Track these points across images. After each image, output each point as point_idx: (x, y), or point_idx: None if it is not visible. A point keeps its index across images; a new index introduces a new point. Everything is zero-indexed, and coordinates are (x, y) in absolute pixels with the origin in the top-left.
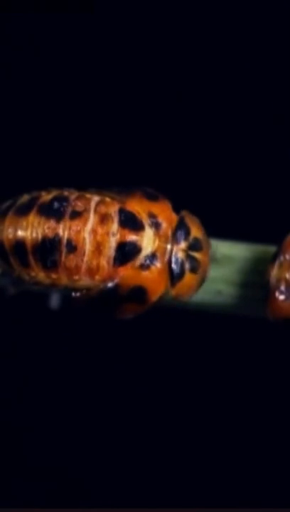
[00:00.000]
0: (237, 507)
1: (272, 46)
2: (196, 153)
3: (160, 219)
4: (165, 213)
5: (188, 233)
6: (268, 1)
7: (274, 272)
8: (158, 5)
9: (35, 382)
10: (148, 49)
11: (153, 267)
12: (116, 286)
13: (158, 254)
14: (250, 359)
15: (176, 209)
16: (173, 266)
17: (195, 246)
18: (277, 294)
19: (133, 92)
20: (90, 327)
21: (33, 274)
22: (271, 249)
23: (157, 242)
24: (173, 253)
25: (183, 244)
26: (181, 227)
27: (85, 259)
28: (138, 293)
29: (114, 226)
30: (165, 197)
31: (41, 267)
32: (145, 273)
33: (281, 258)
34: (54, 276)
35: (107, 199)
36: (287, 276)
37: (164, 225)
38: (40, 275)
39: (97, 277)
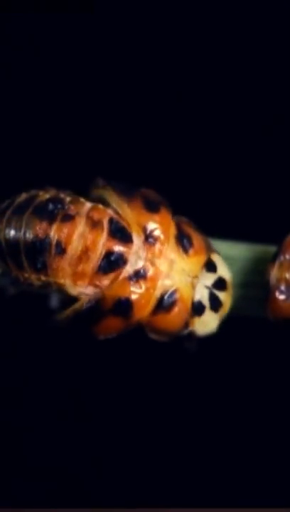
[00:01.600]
0: (237, 507)
1: (272, 46)
2: (196, 153)
3: (156, 233)
4: (163, 226)
5: (214, 270)
6: (268, 1)
7: (274, 272)
8: (158, 5)
9: (35, 382)
10: (148, 49)
11: (141, 282)
12: (101, 298)
13: (148, 269)
14: (250, 359)
15: (176, 209)
16: (196, 300)
17: (219, 285)
18: (277, 293)
19: (133, 91)
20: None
21: (26, 275)
22: (271, 249)
23: (148, 256)
24: (197, 287)
25: (207, 281)
26: (209, 265)
27: (72, 262)
28: (124, 306)
29: (104, 234)
30: (165, 203)
31: (32, 269)
32: (132, 287)
33: (281, 258)
34: (43, 278)
35: (100, 206)
36: (287, 276)
37: (160, 238)
38: (32, 277)
39: (80, 283)
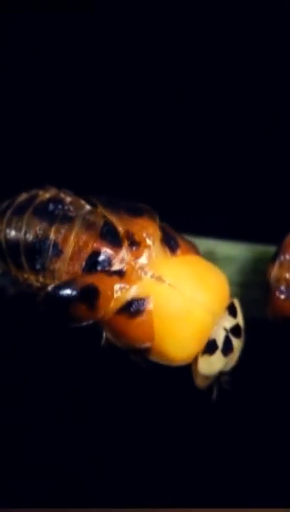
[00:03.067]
0: (237, 507)
1: (272, 46)
2: (196, 153)
3: (139, 237)
4: (146, 230)
5: (234, 316)
6: (268, 1)
7: (274, 272)
8: (158, 5)
9: (35, 382)
10: (148, 49)
11: (116, 278)
12: (70, 281)
13: (126, 270)
14: (250, 359)
15: (176, 209)
16: (211, 338)
17: (236, 331)
18: (277, 293)
19: (133, 91)
20: (90, 327)
21: (25, 276)
22: (271, 249)
23: (130, 259)
24: (216, 327)
25: (227, 324)
26: (231, 308)
27: (66, 263)
28: (90, 293)
29: (95, 235)
30: (149, 208)
31: (31, 270)
32: (101, 275)
33: (281, 258)
34: (42, 279)
35: (98, 211)
36: (287, 276)
37: (143, 242)
38: (31, 278)
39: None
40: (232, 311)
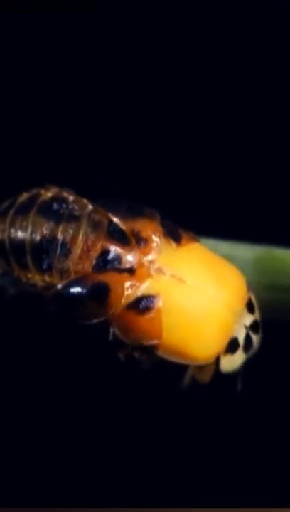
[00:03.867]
0: (237, 507)
1: (272, 46)
2: (196, 153)
3: (144, 234)
4: (149, 227)
5: (253, 312)
6: (268, 1)
7: None
8: (158, 5)
9: (35, 382)
10: (148, 49)
11: (127, 275)
12: (80, 279)
13: (137, 268)
14: (250, 359)
15: (176, 210)
16: (233, 337)
17: (255, 327)
18: None
19: (133, 91)
20: (90, 326)
21: (30, 275)
22: (271, 249)
23: (140, 257)
24: (237, 326)
25: (247, 321)
26: (249, 305)
27: (75, 262)
28: (100, 291)
29: (103, 234)
30: (147, 208)
31: (37, 269)
32: (111, 273)
33: None
34: (48, 279)
35: (100, 209)
36: None
37: (149, 239)
38: (36, 277)
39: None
40: (250, 307)
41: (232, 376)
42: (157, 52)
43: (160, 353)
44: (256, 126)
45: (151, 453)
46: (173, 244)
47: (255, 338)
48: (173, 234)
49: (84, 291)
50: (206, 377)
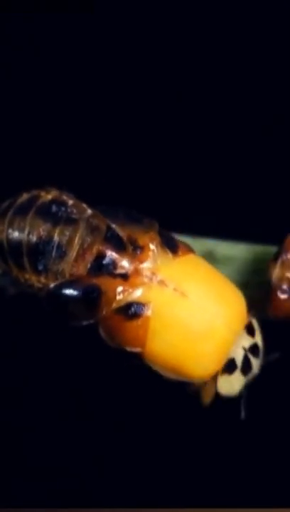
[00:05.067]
0: (237, 507)
1: (272, 46)
2: (196, 153)
3: (141, 242)
4: (148, 235)
5: (253, 335)
6: (268, 1)
7: (276, 271)
8: (158, 5)
9: (35, 382)
10: (148, 49)
11: (120, 280)
12: (73, 280)
13: (131, 274)
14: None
15: (176, 210)
16: (230, 357)
17: (254, 351)
18: (279, 293)
19: (133, 91)
20: (90, 326)
21: (27, 276)
22: (271, 249)
23: (135, 264)
24: (235, 346)
25: (246, 344)
26: (249, 328)
27: (71, 265)
28: (92, 293)
29: (100, 239)
30: (146, 217)
31: (33, 270)
32: (105, 277)
33: (283, 257)
34: (43, 280)
35: (99, 215)
36: (289, 275)
37: (146, 247)
38: (32, 278)
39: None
40: (250, 330)
41: (234, 400)
42: (157, 52)
43: (156, 367)
44: (255, 126)
45: (151, 453)
46: (170, 254)
47: (255, 363)
48: (170, 244)
49: (76, 292)
50: (206, 398)
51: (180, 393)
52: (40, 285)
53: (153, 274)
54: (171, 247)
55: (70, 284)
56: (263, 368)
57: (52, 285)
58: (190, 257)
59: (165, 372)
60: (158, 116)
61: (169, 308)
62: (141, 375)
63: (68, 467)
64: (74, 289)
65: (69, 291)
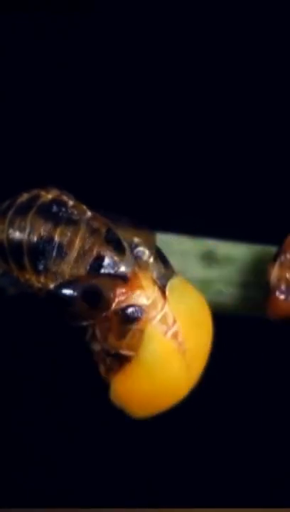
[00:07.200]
0: (237, 507)
1: (272, 46)
2: (196, 153)
3: (142, 247)
4: (148, 242)
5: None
6: (268, 1)
7: (275, 272)
8: (158, 5)
9: (35, 382)
10: (148, 49)
11: (115, 277)
12: (73, 281)
13: (130, 277)
14: (250, 359)
15: (176, 209)
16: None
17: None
18: (278, 293)
19: (133, 91)
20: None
21: (27, 276)
22: (271, 249)
23: (134, 267)
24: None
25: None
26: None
27: (71, 266)
28: (92, 293)
29: (100, 240)
30: (149, 228)
31: (33, 270)
32: (104, 278)
33: (282, 258)
34: (43, 280)
35: (99, 216)
36: (288, 275)
37: (145, 253)
38: (33, 278)
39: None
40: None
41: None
42: (157, 52)
43: (143, 373)
44: (255, 126)
45: (151, 453)
46: (163, 268)
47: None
48: (164, 259)
49: (76, 292)
50: None
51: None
52: (39, 285)
53: (152, 279)
54: (164, 262)
55: (69, 285)
56: (263, 368)
57: (52, 285)
58: (182, 281)
59: (150, 381)
60: (158, 116)
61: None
62: None
63: (68, 467)
64: (74, 289)
65: (69, 292)
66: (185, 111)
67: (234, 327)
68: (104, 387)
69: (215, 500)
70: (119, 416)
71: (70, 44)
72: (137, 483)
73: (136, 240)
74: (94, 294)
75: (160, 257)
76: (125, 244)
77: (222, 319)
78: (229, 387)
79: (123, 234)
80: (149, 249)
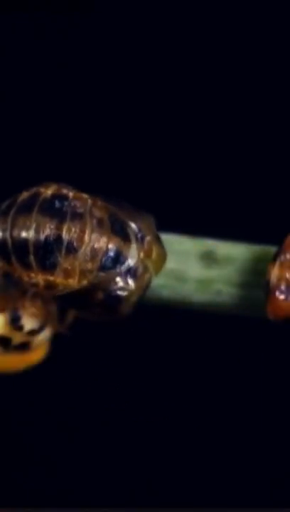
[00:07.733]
0: (237, 507)
1: (272, 46)
2: (196, 153)
3: (145, 232)
4: (149, 227)
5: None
6: (268, 1)
7: (275, 272)
8: (158, 5)
9: (36, 382)
10: (148, 49)
11: (130, 279)
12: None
13: (139, 268)
14: (250, 359)
15: (176, 209)
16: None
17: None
18: (277, 293)
19: (133, 92)
20: (91, 326)
21: (32, 275)
22: (271, 249)
23: (140, 256)
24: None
25: None
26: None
27: (81, 262)
28: (113, 301)
29: (108, 232)
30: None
31: (41, 269)
32: (122, 282)
33: (282, 257)
34: (50, 278)
35: (99, 202)
36: (287, 275)
37: (148, 238)
38: (39, 277)
39: (84, 281)
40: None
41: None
42: (157, 52)
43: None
44: (255, 126)
45: (151, 453)
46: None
47: None
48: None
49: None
50: None
51: (180, 393)
52: (45, 284)
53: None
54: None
55: (113, 292)
56: (263, 368)
57: (100, 295)
58: None
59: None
60: (158, 116)
61: None
62: (141, 374)
63: (68, 467)
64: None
65: (116, 301)
66: (184, 110)
67: (234, 327)
68: (104, 386)
69: (215, 500)
70: (119, 416)
71: (70, 44)
72: (137, 483)
73: (139, 224)
74: (115, 301)
75: (159, 241)
76: (130, 232)
77: (222, 319)
78: (229, 387)
79: (127, 218)
80: (150, 234)
